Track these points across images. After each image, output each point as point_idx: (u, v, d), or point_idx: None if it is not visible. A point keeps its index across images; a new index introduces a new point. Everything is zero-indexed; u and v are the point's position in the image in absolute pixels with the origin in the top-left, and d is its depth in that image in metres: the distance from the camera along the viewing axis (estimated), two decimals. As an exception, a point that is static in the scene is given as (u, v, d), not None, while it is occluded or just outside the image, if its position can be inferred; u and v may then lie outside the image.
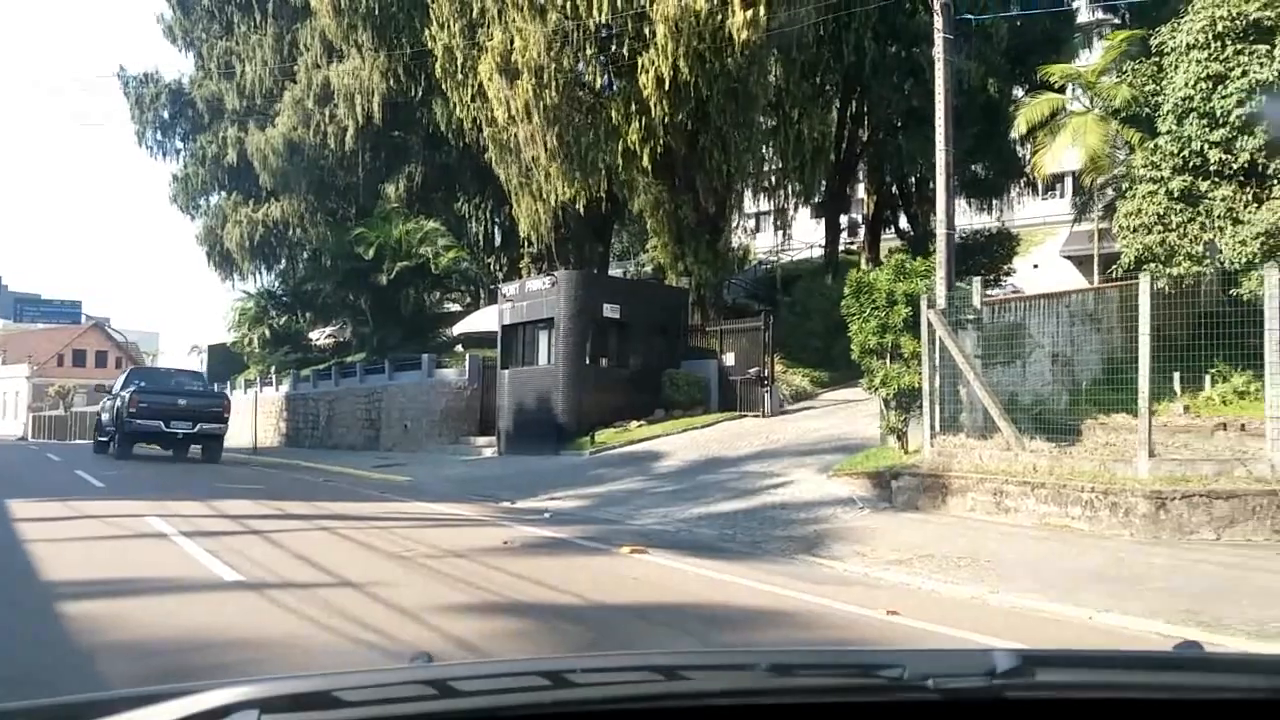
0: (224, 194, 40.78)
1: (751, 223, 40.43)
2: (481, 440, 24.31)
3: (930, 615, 6.65)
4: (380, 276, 31.45)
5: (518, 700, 1.24)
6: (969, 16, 16.80)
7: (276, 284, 41.97)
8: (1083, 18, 29.79)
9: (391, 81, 31.20)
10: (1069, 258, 35.73)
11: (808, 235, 38.37)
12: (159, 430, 22.18)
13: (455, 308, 39.19)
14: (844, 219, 36.45)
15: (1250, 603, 6.94)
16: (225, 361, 42.96)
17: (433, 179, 36.42)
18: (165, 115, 41.44)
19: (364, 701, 1.18)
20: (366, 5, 28.72)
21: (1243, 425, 11.43)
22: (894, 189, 31.08)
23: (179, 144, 42.06)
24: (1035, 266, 36.39)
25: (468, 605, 6.31)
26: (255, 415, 30.55)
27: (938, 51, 12.91)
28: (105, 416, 24.52)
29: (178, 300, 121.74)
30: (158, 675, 4.39)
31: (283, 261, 41.55)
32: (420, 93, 31.04)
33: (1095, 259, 24.60)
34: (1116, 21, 26.91)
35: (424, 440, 26.36)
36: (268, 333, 38.95)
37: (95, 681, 4.37)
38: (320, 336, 42.87)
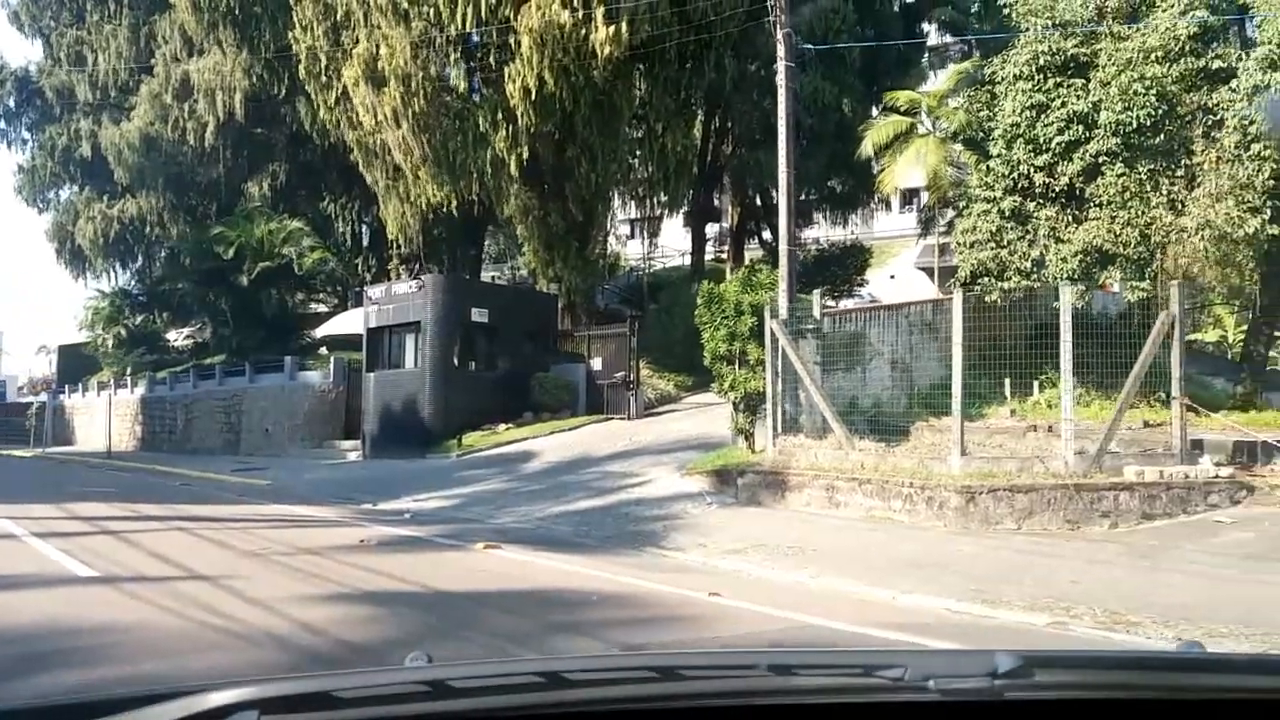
0: (76, 188, 39.24)
1: (625, 229, 41.19)
2: (346, 444, 24.22)
3: (754, 597, 7.31)
4: (241, 277, 30.88)
5: (516, 700, 1.24)
6: (808, 47, 17.77)
7: (132, 283, 40.61)
8: (934, 39, 31.50)
9: (254, 79, 30.63)
10: (922, 269, 37.62)
11: (680, 243, 39.29)
12: None
13: (321, 309, 38.67)
14: (713, 228, 37.58)
15: (1032, 583, 7.85)
16: (77, 362, 41.30)
17: (298, 178, 35.88)
18: (10, 103, 39.66)
19: (363, 701, 1.20)
20: (228, 3, 28.18)
21: (1050, 427, 12.58)
22: (757, 201, 32.21)
23: (25, 134, 40.34)
24: (892, 277, 38.19)
25: (319, 596, 6.66)
26: (109, 418, 29.54)
27: (780, 79, 13.76)
28: None
29: (24, 298, 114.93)
30: (15, 659, 4.64)
31: (139, 259, 40.29)
32: (284, 91, 30.57)
33: (935, 272, 26.17)
34: (962, 49, 28.65)
35: (286, 444, 26.05)
36: (123, 333, 37.67)
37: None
38: (178, 337, 41.64)
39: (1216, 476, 10.59)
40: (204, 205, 37.54)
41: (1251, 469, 11.14)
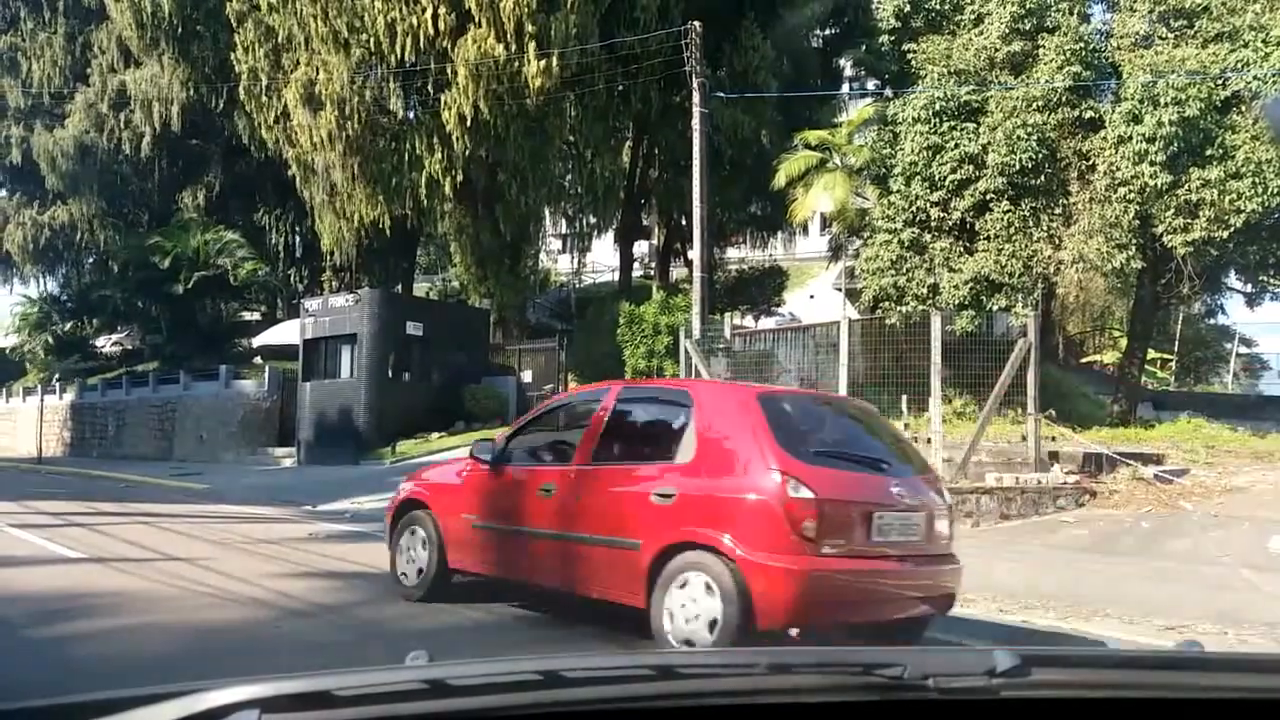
0: (5, 193, 39.13)
1: (556, 244, 42.29)
2: (280, 451, 24.94)
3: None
4: (177, 286, 31.32)
5: (515, 700, 1.25)
6: (721, 94, 19.26)
7: (60, 289, 40.53)
8: (849, 72, 33.22)
9: (192, 91, 31.08)
10: (840, 290, 39.22)
11: (609, 259, 40.43)
12: None
13: (253, 317, 39.11)
14: (641, 246, 38.92)
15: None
16: (1, 368, 41.07)
17: (232, 189, 36.26)
18: (-60, 107, 39.29)
19: (363, 700, 1.21)
20: (170, 20, 28.75)
21: (929, 439, 14.11)
22: (682, 222, 33.61)
23: (-49, 137, 39.94)
24: (811, 297, 39.77)
25: (286, 573, 7.76)
26: (40, 424, 29.75)
27: (695, 124, 15.16)
28: None
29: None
30: (47, 613, 5.70)
31: (68, 266, 40.21)
32: (222, 103, 31.00)
33: (844, 294, 27.84)
34: (876, 85, 30.43)
35: (221, 451, 26.63)
36: (51, 339, 37.65)
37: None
38: (107, 344, 41.61)
39: (1065, 483, 12.21)
40: (137, 214, 37.76)
41: (1097, 477, 12.80)
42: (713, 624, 5.10)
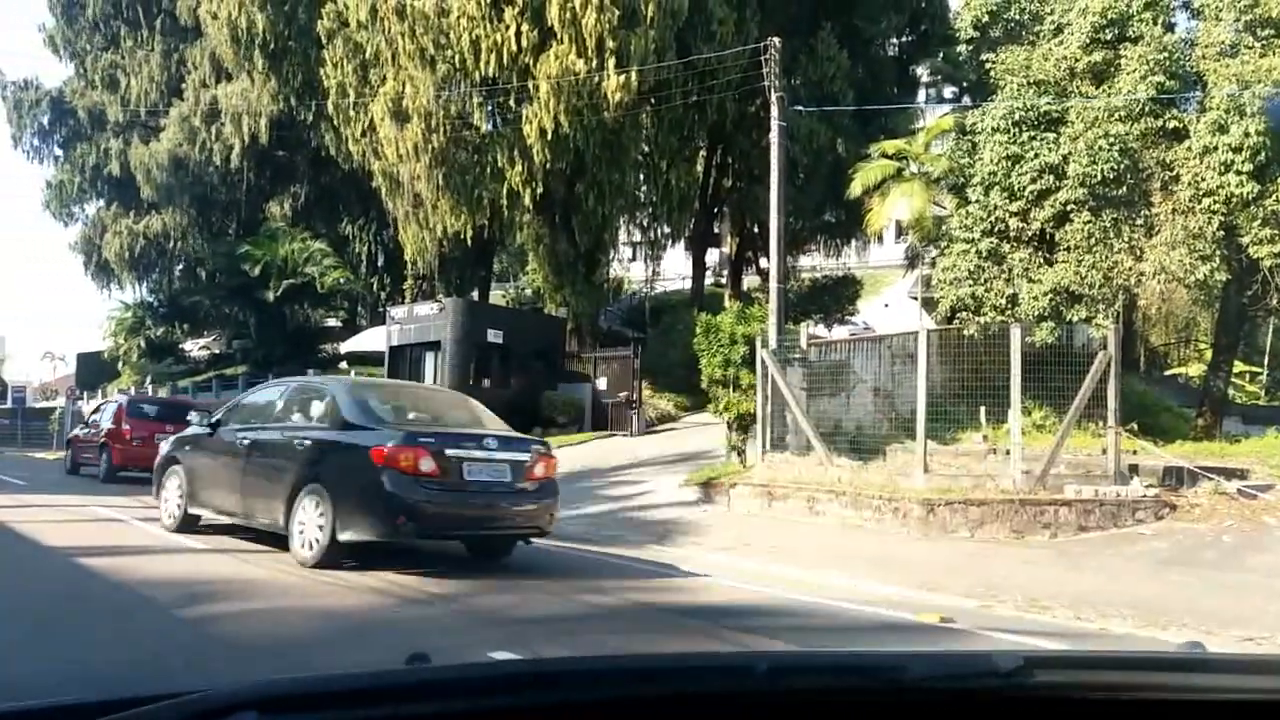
0: (103, 204, 40.93)
1: (629, 252, 42.74)
2: (365, 453, 25.69)
3: (735, 579, 8.91)
4: (267, 293, 32.51)
5: (514, 700, 1.26)
6: (799, 109, 19.46)
7: (151, 295, 42.20)
8: (926, 78, 33.08)
9: (281, 104, 32.23)
10: (915, 299, 38.95)
11: (681, 267, 40.80)
12: None
13: (334, 323, 40.35)
14: (713, 254, 39.22)
15: (971, 578, 9.43)
16: (96, 370, 42.87)
17: (317, 199, 37.50)
18: (44, 122, 41.31)
19: (363, 701, 1.22)
20: (264, 37, 29.89)
21: (1007, 450, 14.17)
22: (755, 231, 33.83)
23: (58, 150, 41.94)
24: (886, 306, 39.58)
25: (400, 564, 8.26)
26: (137, 425, 31.06)
27: (773, 138, 15.42)
28: None
29: (23, 305, 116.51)
30: (188, 595, 6.24)
31: (159, 272, 41.87)
32: (310, 116, 32.11)
33: (920, 303, 27.78)
34: (954, 92, 30.29)
35: (307, 452, 27.45)
36: (144, 343, 39.28)
37: (141, 597, 6.19)
38: (194, 348, 43.22)
39: (1144, 496, 12.18)
40: (225, 223, 39.25)
41: (1177, 490, 12.74)
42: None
